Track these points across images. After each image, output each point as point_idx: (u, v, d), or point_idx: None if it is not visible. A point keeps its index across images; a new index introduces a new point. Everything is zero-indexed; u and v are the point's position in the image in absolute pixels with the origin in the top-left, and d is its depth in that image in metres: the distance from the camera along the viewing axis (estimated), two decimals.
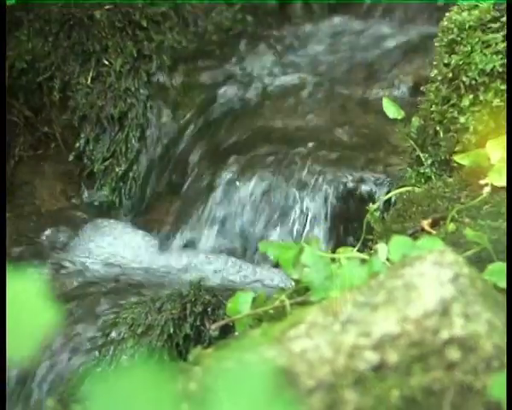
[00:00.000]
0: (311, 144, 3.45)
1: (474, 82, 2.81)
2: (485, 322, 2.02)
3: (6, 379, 1.00)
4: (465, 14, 2.86)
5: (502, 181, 2.63)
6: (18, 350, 1.03)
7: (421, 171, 2.88)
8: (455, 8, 2.91)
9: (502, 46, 2.78)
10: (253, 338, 2.24)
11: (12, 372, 3.00)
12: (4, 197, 3.22)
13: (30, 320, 1.04)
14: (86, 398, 1.00)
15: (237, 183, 3.38)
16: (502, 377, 1.88)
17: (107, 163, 3.69)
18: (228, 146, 3.51)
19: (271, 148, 3.46)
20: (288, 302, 2.50)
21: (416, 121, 2.94)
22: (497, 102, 2.77)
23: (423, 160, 2.89)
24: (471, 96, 2.82)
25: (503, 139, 2.67)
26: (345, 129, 3.51)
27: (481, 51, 2.78)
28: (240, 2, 3.96)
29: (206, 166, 3.47)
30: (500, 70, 2.77)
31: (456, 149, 2.80)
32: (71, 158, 3.74)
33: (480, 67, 2.80)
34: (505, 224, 2.53)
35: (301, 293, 2.52)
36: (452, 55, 2.85)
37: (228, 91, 3.67)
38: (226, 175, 3.41)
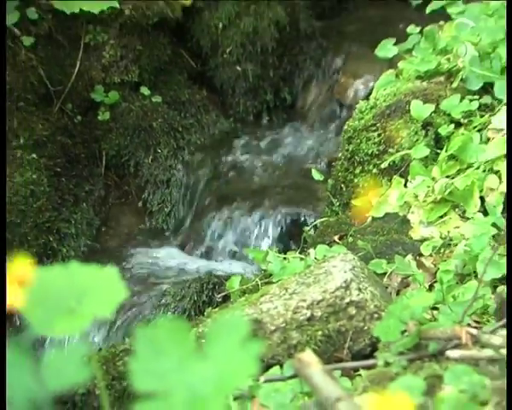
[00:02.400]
0: (270, 194, 3.43)
1: (361, 160, 2.78)
2: (369, 292, 1.99)
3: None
4: (357, 122, 2.84)
5: (378, 214, 2.60)
6: (103, 312, 0.99)
7: (333, 209, 2.86)
8: (351, 119, 2.89)
9: (377, 139, 2.75)
10: (240, 303, 2.22)
11: (99, 325, 2.98)
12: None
13: (111, 291, 1.01)
14: (138, 339, 0.96)
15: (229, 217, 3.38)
16: (379, 323, 1.85)
17: (159, 206, 3.65)
18: (225, 196, 3.49)
19: (249, 197, 3.44)
20: (259, 282, 2.47)
21: (330, 182, 2.92)
22: (374, 170, 2.74)
23: (334, 203, 2.86)
24: (360, 168, 2.79)
25: (379, 191, 2.65)
26: (290, 186, 3.48)
27: (366, 142, 2.76)
28: (232, 117, 3.94)
29: (214, 207, 3.45)
30: (376, 153, 2.75)
31: (353, 196, 2.78)
32: (140, 204, 3.70)
33: (365, 151, 2.77)
34: (380, 238, 2.50)
35: (267, 277, 2.49)
36: (350, 145, 2.83)
37: (226, 166, 3.65)
38: (226, 212, 3.39)
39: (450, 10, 3.22)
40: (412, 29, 3.20)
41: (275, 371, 1.93)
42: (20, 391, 0.95)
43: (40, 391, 0.95)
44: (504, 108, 2.59)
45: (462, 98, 2.68)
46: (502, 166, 2.45)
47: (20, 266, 0.98)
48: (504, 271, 2.11)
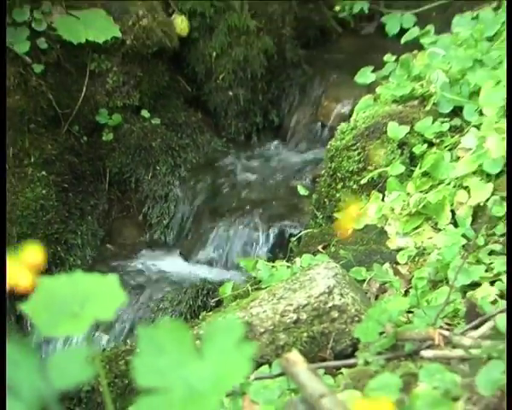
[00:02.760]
0: (260, 208, 3.42)
1: (343, 176, 2.78)
2: (350, 297, 1.98)
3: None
4: (338, 142, 2.83)
5: (358, 226, 2.59)
6: (103, 316, 0.99)
7: (317, 221, 2.85)
8: (333, 139, 2.88)
9: (357, 158, 2.74)
10: (232, 307, 2.21)
11: (102, 326, 2.96)
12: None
13: (111, 297, 1.00)
14: (141, 338, 0.96)
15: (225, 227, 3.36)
16: (360, 325, 1.84)
17: (158, 219, 3.64)
18: (219, 210, 3.48)
19: (241, 210, 3.42)
20: (250, 288, 2.46)
21: (314, 196, 2.91)
22: (354, 186, 2.73)
23: (318, 215, 2.85)
24: (342, 184, 2.78)
25: (358, 212, 2.64)
26: (278, 200, 3.47)
27: (347, 160, 2.76)
28: (225, 138, 3.93)
29: (208, 220, 3.44)
30: (356, 170, 2.74)
31: (335, 210, 2.77)
32: (140, 217, 3.69)
33: (346, 168, 2.77)
34: (360, 247, 2.49)
35: (257, 283, 2.48)
36: (332, 162, 2.82)
37: (219, 182, 3.64)
38: (219, 224, 3.38)
39: (422, 41, 3.24)
40: (388, 58, 3.21)
41: (264, 369, 1.92)
42: (29, 389, 0.94)
43: (47, 389, 0.95)
44: (472, 130, 2.59)
45: (434, 120, 2.68)
46: (470, 182, 2.46)
47: (30, 253, 0.98)
48: (473, 278, 2.11)
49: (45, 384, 0.95)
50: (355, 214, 2.64)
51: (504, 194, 2.37)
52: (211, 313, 2.47)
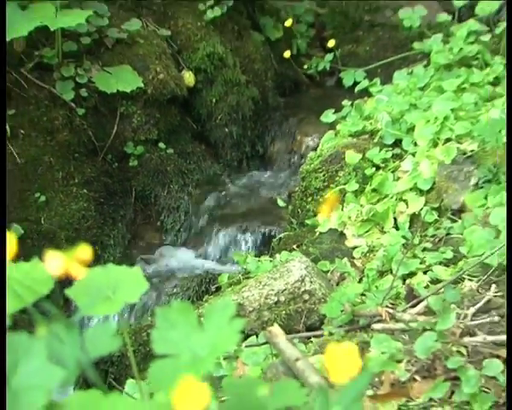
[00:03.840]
0: (249, 216, 3.39)
1: (312, 192, 2.77)
2: (318, 284, 1.97)
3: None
4: (308, 166, 2.82)
5: (323, 229, 2.58)
6: (130, 299, 0.97)
7: (293, 226, 2.84)
8: (304, 164, 2.87)
9: (322, 178, 2.73)
10: (228, 292, 2.19)
11: (126, 309, 2.91)
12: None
13: (137, 284, 0.98)
14: (158, 316, 0.94)
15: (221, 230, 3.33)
16: (325, 305, 1.82)
17: (172, 225, 3.60)
18: (218, 218, 3.45)
19: (234, 218, 3.40)
20: (241, 277, 2.44)
21: (290, 207, 2.90)
22: (321, 200, 2.72)
23: (293, 222, 2.84)
24: (311, 198, 2.78)
25: (327, 213, 2.62)
26: (262, 210, 3.44)
27: (315, 180, 2.75)
28: (222, 164, 3.91)
29: (210, 225, 3.41)
30: (322, 187, 2.73)
31: (306, 217, 2.76)
32: (158, 223, 3.65)
33: (314, 186, 2.76)
34: (325, 246, 2.47)
35: (247, 273, 2.46)
36: (304, 182, 2.81)
37: (218, 197, 3.61)
38: (218, 228, 3.35)
39: (371, 89, 3.25)
40: (345, 103, 3.21)
41: (252, 339, 1.90)
42: (71, 358, 0.92)
43: (85, 357, 0.93)
44: (409, 157, 2.59)
45: (380, 149, 2.68)
46: (408, 196, 2.45)
47: (81, 251, 0.98)
48: (411, 269, 2.10)
49: (83, 353, 0.93)
50: (333, 203, 2.61)
51: (434, 205, 2.37)
52: (212, 296, 2.45)
